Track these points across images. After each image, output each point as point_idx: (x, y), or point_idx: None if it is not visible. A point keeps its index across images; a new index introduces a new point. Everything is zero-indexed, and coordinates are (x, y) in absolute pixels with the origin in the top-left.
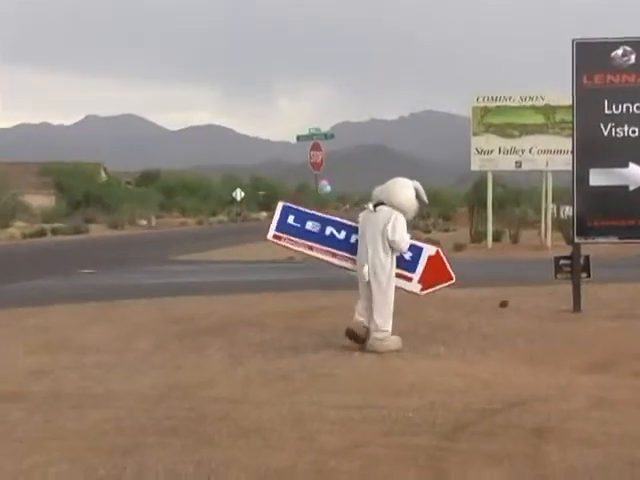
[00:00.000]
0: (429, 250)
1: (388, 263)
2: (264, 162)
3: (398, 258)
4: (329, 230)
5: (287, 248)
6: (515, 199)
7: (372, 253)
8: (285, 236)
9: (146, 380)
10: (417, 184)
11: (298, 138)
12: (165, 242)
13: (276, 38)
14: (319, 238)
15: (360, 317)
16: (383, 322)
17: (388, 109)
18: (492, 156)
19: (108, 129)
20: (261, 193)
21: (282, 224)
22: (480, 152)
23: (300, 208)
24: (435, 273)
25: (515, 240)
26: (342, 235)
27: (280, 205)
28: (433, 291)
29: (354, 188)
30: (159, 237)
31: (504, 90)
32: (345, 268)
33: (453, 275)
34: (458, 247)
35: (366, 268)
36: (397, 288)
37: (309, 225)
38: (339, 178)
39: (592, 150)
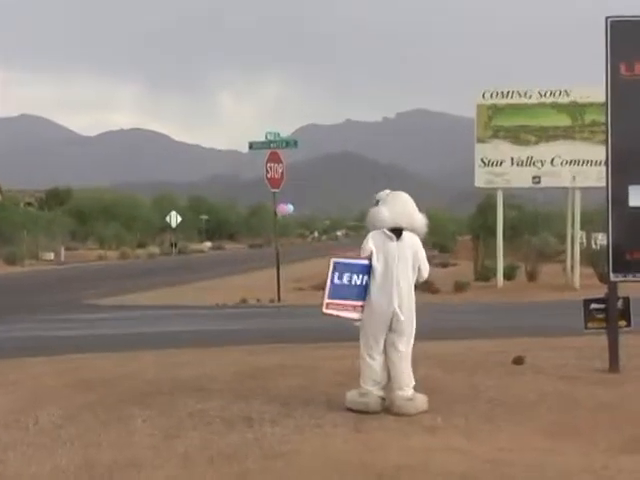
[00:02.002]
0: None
1: (413, 297)
2: (207, 177)
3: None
4: (354, 278)
5: (340, 318)
6: (532, 225)
7: (405, 290)
8: (338, 302)
9: (52, 461)
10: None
11: (251, 146)
12: (77, 282)
13: (210, 17)
14: (354, 291)
15: (379, 390)
16: (409, 375)
17: (368, 108)
18: (502, 169)
19: (1, 134)
20: (204, 218)
21: (335, 287)
22: (487, 164)
23: (349, 260)
24: None
25: (532, 277)
26: (360, 279)
27: (332, 263)
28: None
29: (323, 210)
30: (70, 275)
31: (518, 84)
32: (357, 321)
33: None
34: (459, 287)
35: (397, 303)
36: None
37: (351, 279)
38: (304, 197)
39: (632, 161)
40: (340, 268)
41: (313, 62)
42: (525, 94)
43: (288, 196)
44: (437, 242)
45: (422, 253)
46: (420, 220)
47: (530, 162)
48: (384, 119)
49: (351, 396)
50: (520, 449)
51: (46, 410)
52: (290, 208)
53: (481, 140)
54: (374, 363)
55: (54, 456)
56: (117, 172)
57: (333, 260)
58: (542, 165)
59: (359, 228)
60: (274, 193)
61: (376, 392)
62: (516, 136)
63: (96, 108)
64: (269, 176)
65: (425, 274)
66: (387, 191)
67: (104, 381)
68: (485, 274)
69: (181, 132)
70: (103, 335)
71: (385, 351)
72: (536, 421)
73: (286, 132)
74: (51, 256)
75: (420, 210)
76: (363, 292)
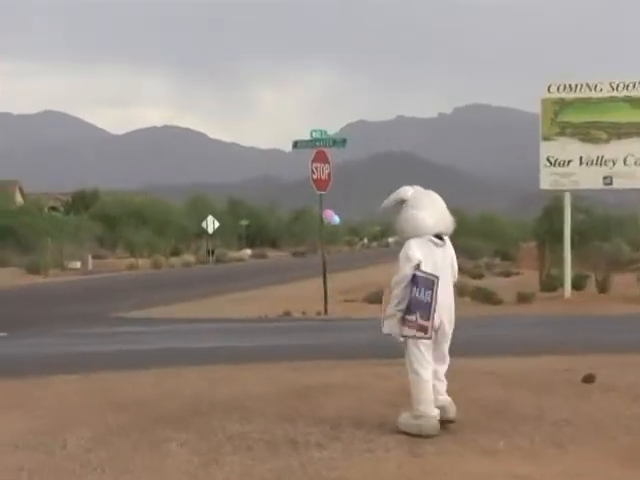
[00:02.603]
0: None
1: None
2: (246, 179)
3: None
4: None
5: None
6: (603, 230)
7: (451, 299)
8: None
9: None
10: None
11: (295, 145)
12: (106, 293)
13: (248, 2)
14: (421, 307)
15: (434, 409)
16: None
17: (422, 104)
18: (570, 169)
19: (23, 132)
20: (244, 223)
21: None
22: (553, 163)
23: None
24: None
25: (604, 288)
26: (427, 295)
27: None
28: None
29: (373, 215)
30: (98, 286)
31: (588, 76)
32: (413, 337)
33: None
34: (523, 298)
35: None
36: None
37: (417, 292)
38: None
39: None
40: (422, 282)
41: (362, 52)
42: (595, 87)
43: (335, 199)
44: (499, 249)
45: (454, 257)
46: (452, 222)
47: (601, 161)
48: (440, 115)
49: (404, 419)
50: (591, 475)
51: (74, 432)
52: (336, 219)
53: (547, 138)
54: (427, 381)
55: None
56: (148, 173)
57: (416, 273)
58: (614, 165)
59: None
60: (320, 196)
61: (431, 412)
62: (585, 133)
63: (125, 103)
64: (315, 177)
65: (455, 280)
66: (409, 188)
67: (136, 401)
68: (551, 284)
69: (218, 129)
70: (135, 351)
71: None
72: (608, 445)
73: (333, 129)
74: (77, 265)
75: (476, 215)
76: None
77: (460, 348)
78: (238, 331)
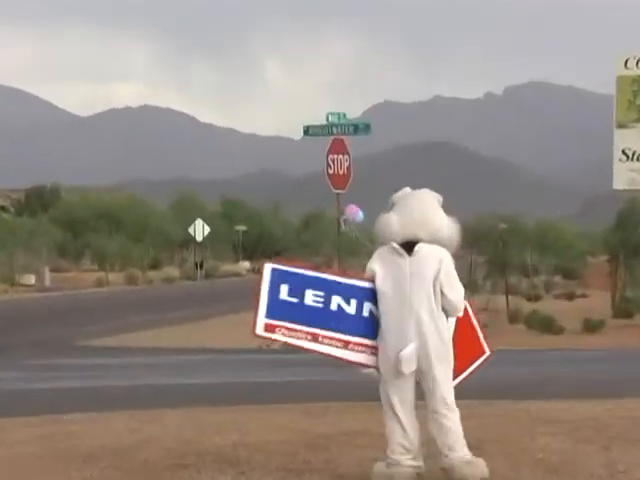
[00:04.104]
0: None
1: (447, 334)
2: (245, 173)
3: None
4: (335, 302)
5: (285, 344)
6: None
7: (424, 322)
8: (281, 324)
9: None
10: (439, 198)
11: (307, 131)
12: (70, 315)
13: None
14: (325, 318)
15: (411, 459)
16: (458, 434)
17: (465, 81)
18: None
19: None
20: (241, 229)
21: (274, 303)
22: (631, 157)
23: (294, 269)
24: (466, 345)
25: None
26: (352, 307)
27: (267, 270)
28: (464, 379)
29: None
30: (59, 306)
31: None
32: (362, 365)
33: (485, 346)
34: (591, 326)
35: (411, 348)
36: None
37: (309, 297)
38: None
39: None
40: (286, 277)
41: (390, 17)
42: None
43: (356, 200)
44: (560, 265)
45: (447, 269)
46: (446, 227)
47: None
48: (487, 95)
49: (378, 467)
50: None
51: None
52: (361, 215)
53: (623, 125)
54: (399, 423)
55: None
56: (123, 166)
57: (270, 266)
58: None
59: None
60: (337, 195)
61: (405, 462)
62: None
63: (93, 78)
64: (331, 172)
65: (455, 300)
66: (407, 189)
67: (108, 451)
68: (627, 309)
69: (210, 112)
70: (106, 387)
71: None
72: None
73: (354, 113)
74: (32, 280)
75: (531, 221)
76: (332, 318)
77: (511, 388)
78: (232, 364)
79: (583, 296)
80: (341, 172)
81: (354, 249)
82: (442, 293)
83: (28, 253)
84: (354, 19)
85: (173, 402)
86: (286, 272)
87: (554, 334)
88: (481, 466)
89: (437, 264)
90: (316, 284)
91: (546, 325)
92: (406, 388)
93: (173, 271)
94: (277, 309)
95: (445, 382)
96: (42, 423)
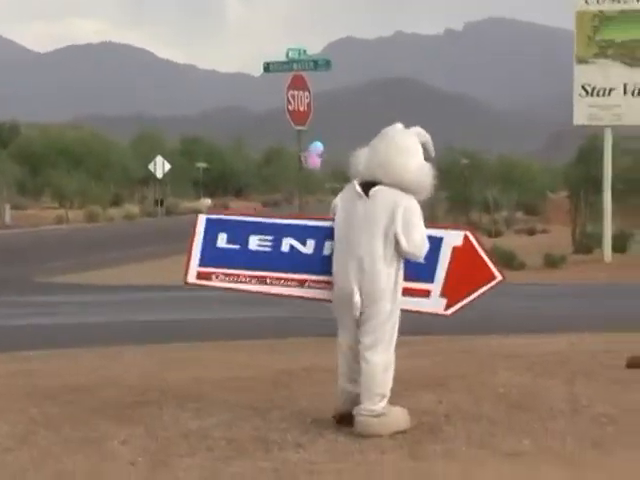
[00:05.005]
0: (452, 239)
1: (392, 283)
2: (206, 110)
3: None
4: (287, 243)
5: (224, 290)
6: None
7: (366, 267)
8: (218, 271)
9: None
10: (422, 134)
11: (267, 68)
12: (29, 252)
13: None
14: (274, 260)
15: (349, 384)
16: (387, 385)
17: (425, 17)
18: (612, 100)
19: None
20: (201, 166)
21: (209, 251)
22: (590, 93)
23: (234, 217)
24: (468, 273)
25: None
26: (309, 247)
27: (201, 221)
28: (466, 305)
29: None
30: (18, 243)
31: None
32: (324, 300)
33: (496, 271)
34: (552, 261)
35: (357, 295)
36: (404, 312)
37: (254, 242)
38: (337, 138)
39: None
40: (224, 227)
41: None
42: None
43: (317, 136)
44: (522, 201)
45: (406, 216)
46: (413, 172)
47: None
48: (447, 32)
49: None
50: None
51: None
52: (320, 148)
53: (583, 60)
54: (341, 352)
55: None
56: (82, 102)
57: (203, 217)
58: None
59: None
60: (299, 131)
61: (343, 384)
62: (631, 55)
63: (52, 14)
64: (291, 108)
65: (408, 246)
66: (398, 125)
67: (69, 388)
68: (587, 244)
69: (169, 47)
70: (67, 325)
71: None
72: None
73: (315, 49)
74: None
75: (492, 156)
76: (283, 259)
77: (473, 325)
78: (194, 301)
79: (544, 232)
80: (301, 108)
81: (312, 185)
82: (397, 241)
83: None
84: None
85: (134, 339)
86: (223, 221)
87: (515, 269)
88: (395, 419)
89: (391, 211)
90: (261, 229)
91: (507, 260)
92: (348, 320)
93: (134, 208)
94: (212, 257)
95: (385, 329)
96: (3, 360)
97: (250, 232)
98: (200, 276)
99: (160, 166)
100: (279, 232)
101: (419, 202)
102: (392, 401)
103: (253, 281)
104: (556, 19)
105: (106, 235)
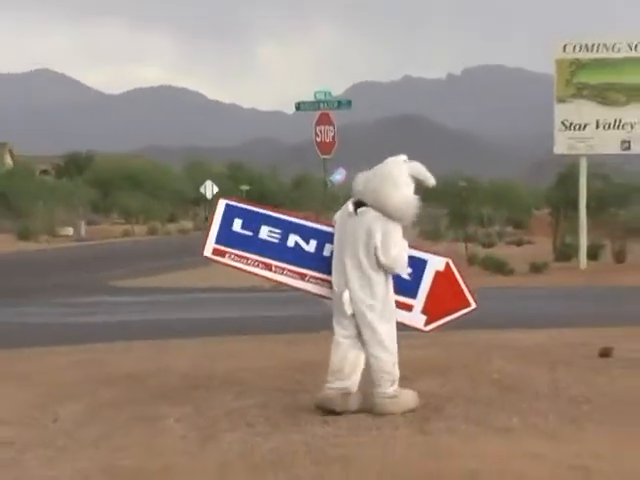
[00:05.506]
0: (436, 263)
1: (381, 282)
2: (247, 142)
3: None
4: (293, 239)
5: (233, 268)
6: (621, 197)
7: (353, 276)
8: (230, 251)
9: (73, 465)
10: (415, 168)
11: (298, 107)
12: (101, 260)
13: None
14: (280, 252)
15: (337, 381)
16: (394, 370)
17: (429, 64)
18: (587, 133)
19: (13, 92)
20: (244, 188)
21: (225, 232)
22: (568, 127)
23: (250, 207)
24: (446, 297)
25: (620, 258)
26: (311, 246)
27: (222, 204)
28: (442, 324)
29: None
30: (92, 253)
31: (605, 35)
32: (320, 296)
33: (471, 300)
34: (536, 268)
35: (347, 295)
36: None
37: (264, 232)
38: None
39: None
40: (240, 213)
41: (367, 9)
42: (613, 47)
43: (340, 163)
44: (511, 217)
45: (385, 233)
46: (396, 204)
47: (619, 125)
48: (449, 76)
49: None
50: (610, 455)
51: (66, 407)
52: (341, 174)
53: (562, 100)
54: (334, 349)
55: (76, 459)
56: (144, 135)
57: (224, 202)
58: (632, 128)
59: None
60: (324, 160)
61: (333, 384)
62: (602, 95)
63: (120, 62)
64: (319, 140)
65: (385, 259)
66: (402, 157)
67: (131, 375)
68: (566, 253)
69: (216, 90)
70: (130, 322)
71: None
72: (630, 423)
73: (338, 91)
74: (70, 231)
75: (487, 180)
76: (288, 252)
77: (470, 320)
78: (237, 301)
79: (529, 243)
80: (327, 140)
81: (336, 204)
82: (376, 256)
83: (67, 209)
84: (339, 9)
85: (185, 334)
86: (240, 208)
87: (505, 275)
88: (405, 400)
89: (371, 230)
90: (273, 222)
91: (498, 267)
92: (346, 321)
93: (187, 224)
94: (227, 237)
95: (379, 325)
96: (74, 351)
97: (262, 222)
98: (215, 252)
99: (210, 188)
100: (287, 228)
101: (402, 226)
102: (403, 385)
103: (260, 266)
104: (539, 65)
105: (165, 246)
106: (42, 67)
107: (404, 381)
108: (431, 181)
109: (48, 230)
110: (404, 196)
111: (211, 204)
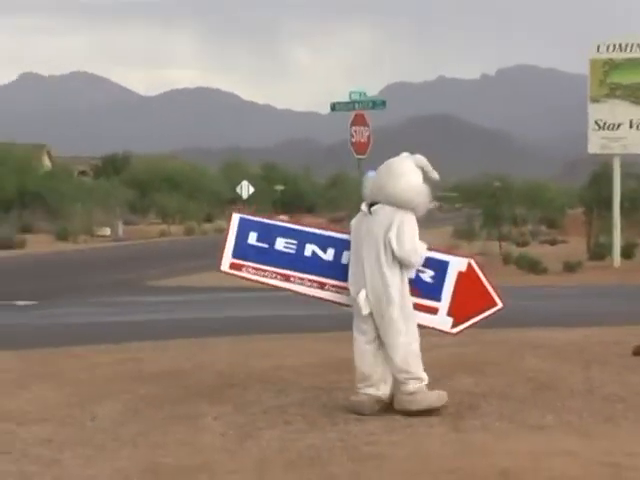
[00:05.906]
0: (458, 264)
1: (397, 282)
2: (282, 142)
3: (413, 280)
4: (310, 249)
5: (252, 281)
6: None
7: (371, 273)
8: (248, 264)
9: (113, 463)
10: (419, 159)
11: (333, 107)
12: (138, 260)
13: None
14: (297, 262)
15: (366, 387)
16: (410, 367)
17: (464, 64)
18: (620, 133)
19: (52, 94)
20: (279, 188)
21: (241, 246)
22: (602, 127)
23: (264, 220)
24: (471, 298)
25: None
26: (329, 254)
27: (235, 218)
28: (470, 326)
29: None
30: (129, 253)
31: (638, 35)
32: (340, 304)
33: (497, 299)
34: (570, 267)
35: (363, 294)
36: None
37: (281, 244)
38: None
39: None
40: (255, 227)
41: (402, 11)
42: None
43: (375, 163)
44: (545, 217)
45: (399, 226)
46: (403, 190)
47: None
48: (482, 76)
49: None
50: None
51: (104, 405)
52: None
53: (595, 100)
54: (359, 352)
55: (115, 458)
56: (181, 137)
57: (237, 216)
58: None
59: (452, 199)
60: (359, 160)
61: (362, 389)
62: (636, 95)
63: (156, 64)
64: (354, 140)
65: (400, 250)
66: (404, 154)
67: (170, 372)
68: (599, 252)
69: (251, 91)
70: (168, 320)
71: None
72: None
73: (372, 91)
74: (107, 231)
75: (522, 180)
76: (306, 262)
77: (503, 319)
78: (275, 300)
79: (563, 242)
80: (362, 140)
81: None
82: (391, 248)
83: (104, 209)
84: (373, 11)
85: (223, 332)
86: (254, 222)
87: (539, 274)
88: (424, 399)
89: (388, 223)
90: (288, 234)
91: (533, 266)
92: (366, 326)
93: (223, 224)
94: (244, 251)
95: (397, 321)
96: (113, 350)
97: (278, 235)
98: (232, 266)
99: (245, 189)
100: (304, 238)
101: (417, 218)
102: (437, 384)
103: (278, 277)
104: (572, 66)
105: (201, 246)
106: (79, 70)
107: (440, 379)
108: (434, 174)
109: (86, 230)
110: (409, 182)
111: (247, 203)
